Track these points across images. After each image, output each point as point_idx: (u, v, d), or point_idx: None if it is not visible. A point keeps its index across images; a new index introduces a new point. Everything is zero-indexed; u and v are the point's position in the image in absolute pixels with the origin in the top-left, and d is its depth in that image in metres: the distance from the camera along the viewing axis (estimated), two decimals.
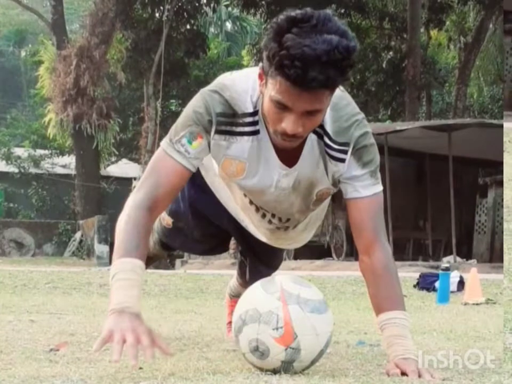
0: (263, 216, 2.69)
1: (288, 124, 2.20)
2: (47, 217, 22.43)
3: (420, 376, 2.24)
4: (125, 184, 22.15)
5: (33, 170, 23.72)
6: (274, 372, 2.25)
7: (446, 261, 12.98)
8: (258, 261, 3.11)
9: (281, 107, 2.18)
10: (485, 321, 4.50)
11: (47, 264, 15.40)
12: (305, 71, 2.07)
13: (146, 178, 2.37)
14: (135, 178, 20.04)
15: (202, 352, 2.83)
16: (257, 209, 2.67)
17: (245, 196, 2.63)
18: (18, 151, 24.13)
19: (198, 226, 2.98)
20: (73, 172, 21.95)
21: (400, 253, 14.43)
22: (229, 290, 3.50)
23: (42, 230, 20.34)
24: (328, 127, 2.35)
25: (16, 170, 23.53)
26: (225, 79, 2.39)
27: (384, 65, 22.86)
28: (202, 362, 2.50)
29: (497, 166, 17.32)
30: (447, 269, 6.85)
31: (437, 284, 6.95)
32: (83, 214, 20.06)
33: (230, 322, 3.42)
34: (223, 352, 2.84)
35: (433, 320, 4.53)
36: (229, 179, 2.53)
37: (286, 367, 2.24)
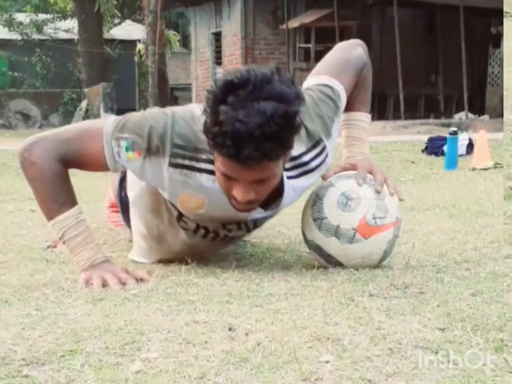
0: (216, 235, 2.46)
1: (238, 193, 2.08)
2: (52, 86, 22.11)
3: (370, 173, 2.33)
4: (130, 47, 21.71)
5: (36, 36, 23.23)
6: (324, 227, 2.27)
7: (458, 118, 12.87)
8: None
9: (228, 177, 2.07)
10: (490, 191, 4.46)
11: None
12: (238, 149, 1.93)
13: (68, 141, 2.22)
14: (139, 41, 19.64)
15: None
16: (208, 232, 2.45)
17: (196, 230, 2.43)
18: (20, 17, 23.60)
19: None
20: (76, 37, 21.49)
21: (411, 111, 14.28)
22: None
23: (47, 100, 20.03)
24: (297, 151, 2.21)
25: (19, 37, 23.09)
26: (196, 111, 2.19)
27: None
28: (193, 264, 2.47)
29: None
30: (455, 133, 6.72)
31: (445, 148, 6.86)
32: (88, 82, 19.74)
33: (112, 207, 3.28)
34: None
35: (438, 192, 4.49)
36: (187, 214, 2.34)
37: (335, 234, 2.26)
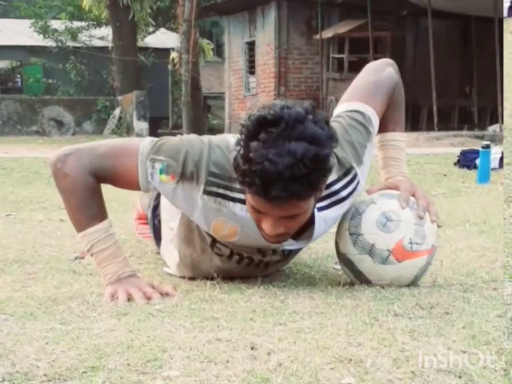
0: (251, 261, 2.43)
1: (267, 227, 2.07)
2: (86, 93, 22.25)
3: (413, 195, 2.32)
4: (163, 55, 21.85)
5: (70, 43, 23.44)
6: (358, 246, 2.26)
7: (492, 130, 12.77)
8: None
9: (258, 211, 2.06)
10: None
11: None
12: (266, 189, 1.92)
13: (103, 155, 2.22)
14: (173, 49, 19.70)
15: None
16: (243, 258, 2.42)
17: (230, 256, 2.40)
18: (55, 24, 23.82)
19: None
20: (110, 45, 21.63)
21: (445, 122, 14.19)
22: None
23: (81, 108, 20.13)
24: (328, 179, 2.14)
25: (54, 44, 23.30)
26: (231, 140, 2.19)
27: None
28: (218, 279, 2.47)
29: None
30: (487, 147, 6.67)
31: (478, 161, 6.80)
32: (121, 89, 19.89)
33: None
34: None
35: (469, 207, 4.45)
36: (220, 240, 2.34)
37: (370, 252, 2.25)
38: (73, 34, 23.54)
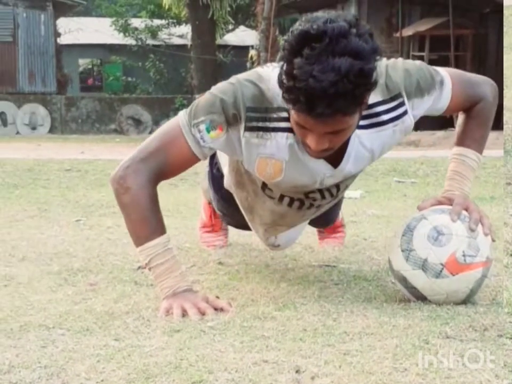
0: (310, 206, 2.49)
1: (312, 142, 2.06)
2: (164, 91, 22.43)
3: (466, 209, 2.29)
4: (242, 54, 21.95)
5: (150, 41, 23.73)
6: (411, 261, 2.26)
7: None
8: None
9: (302, 127, 2.05)
10: None
11: None
12: (311, 106, 1.91)
13: (154, 151, 2.24)
14: (252, 47, 19.79)
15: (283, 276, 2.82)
16: (302, 203, 2.47)
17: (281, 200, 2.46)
18: (135, 22, 24.15)
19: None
20: (189, 43, 21.83)
21: None
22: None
23: (159, 106, 20.22)
24: (371, 100, 2.13)
25: (134, 43, 23.62)
26: (261, 71, 2.21)
27: None
28: (276, 292, 2.48)
29: None
30: None
31: None
32: (199, 88, 20.02)
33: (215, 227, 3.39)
34: (297, 280, 2.81)
35: None
36: (266, 181, 2.37)
37: (423, 267, 2.24)
38: (153, 33, 23.85)
